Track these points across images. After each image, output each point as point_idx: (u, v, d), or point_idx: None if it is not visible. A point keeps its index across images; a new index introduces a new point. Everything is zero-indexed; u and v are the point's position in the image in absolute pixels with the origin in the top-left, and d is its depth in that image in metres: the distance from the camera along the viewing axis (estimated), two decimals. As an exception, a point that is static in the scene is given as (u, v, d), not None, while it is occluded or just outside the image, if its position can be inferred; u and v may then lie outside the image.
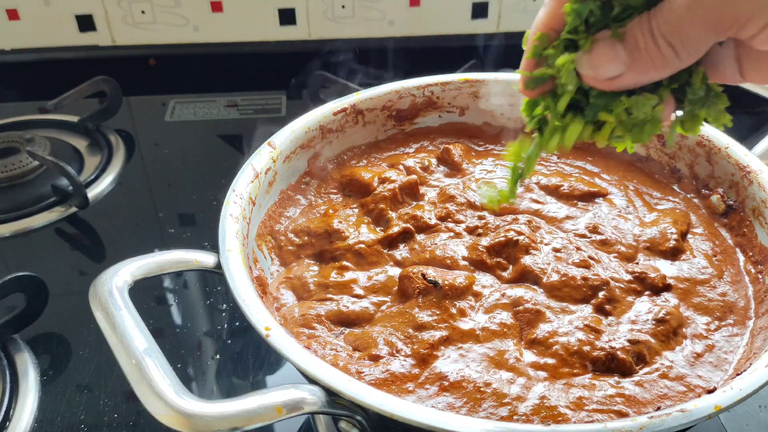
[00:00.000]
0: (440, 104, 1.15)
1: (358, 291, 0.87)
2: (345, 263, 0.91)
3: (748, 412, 0.80)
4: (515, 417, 0.72)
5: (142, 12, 1.59)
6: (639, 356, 0.79)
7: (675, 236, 0.94)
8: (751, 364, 0.72)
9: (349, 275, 0.89)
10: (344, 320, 0.83)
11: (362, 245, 0.93)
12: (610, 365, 0.77)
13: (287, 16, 1.64)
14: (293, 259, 0.94)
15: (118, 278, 0.68)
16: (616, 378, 0.77)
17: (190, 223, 1.30)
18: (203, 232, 1.27)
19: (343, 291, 0.87)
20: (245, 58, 1.67)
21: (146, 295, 1.13)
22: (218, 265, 0.77)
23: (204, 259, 0.77)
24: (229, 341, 1.05)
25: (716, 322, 0.84)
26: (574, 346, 0.79)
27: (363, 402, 0.64)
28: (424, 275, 0.85)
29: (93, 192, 1.31)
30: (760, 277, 0.89)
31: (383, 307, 0.85)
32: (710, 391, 0.72)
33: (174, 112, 1.59)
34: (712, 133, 1.00)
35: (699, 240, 0.96)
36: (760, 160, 0.96)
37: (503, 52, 1.62)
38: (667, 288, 0.88)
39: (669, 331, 0.82)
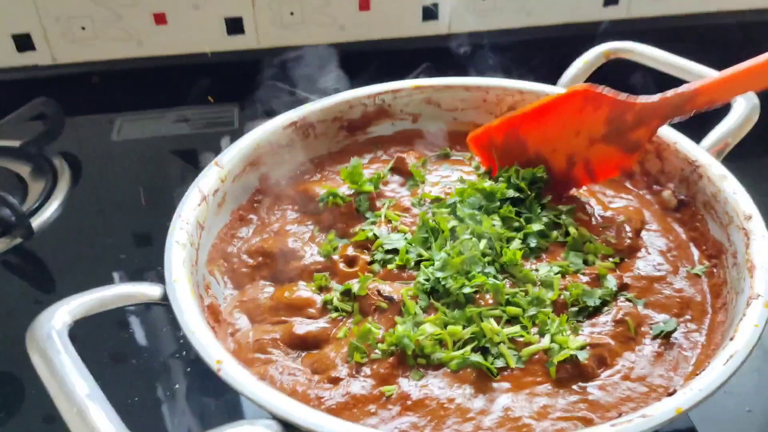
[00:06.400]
0: (392, 112, 1.14)
1: (313, 311, 0.85)
2: (301, 283, 0.89)
3: (712, 399, 0.81)
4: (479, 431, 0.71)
5: (82, 28, 1.54)
6: (600, 359, 0.78)
7: (630, 234, 0.94)
8: (710, 362, 0.72)
9: (304, 295, 0.87)
10: (300, 343, 0.82)
11: (318, 265, 0.91)
12: (572, 371, 0.77)
13: (235, 25, 1.61)
14: (248, 281, 0.91)
15: (56, 320, 0.65)
16: (579, 383, 0.76)
17: (145, 244, 1.27)
18: (159, 254, 1.23)
19: (297, 313, 0.85)
20: (193, 70, 1.63)
21: (109, 317, 1.09)
22: (165, 297, 0.75)
23: (149, 291, 0.75)
24: (197, 362, 1.01)
25: (674, 319, 0.84)
26: (535, 354, 0.78)
27: (322, 433, 0.62)
28: (379, 291, 0.84)
29: (38, 220, 1.26)
30: (715, 270, 0.89)
31: (340, 325, 0.84)
32: (671, 394, 0.72)
33: (121, 131, 1.54)
34: (660, 129, 1.00)
35: (654, 236, 0.96)
36: (708, 154, 0.97)
37: (455, 54, 1.61)
38: (625, 287, 0.87)
39: (628, 332, 0.82)
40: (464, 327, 0.80)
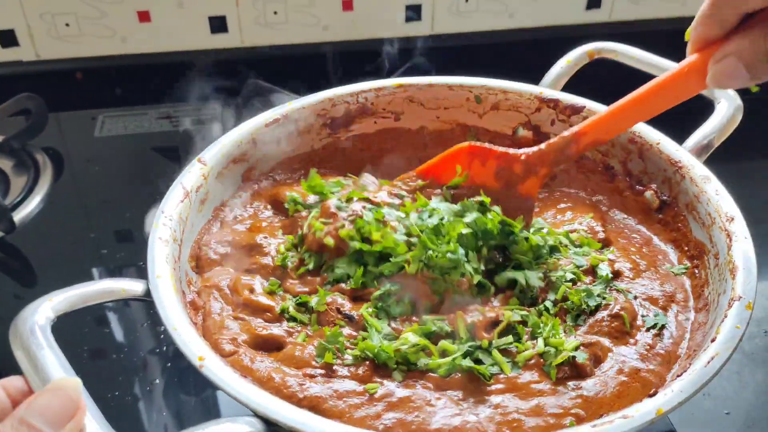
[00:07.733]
0: (375, 110, 1.14)
1: (270, 315, 0.83)
2: (257, 280, 0.87)
3: (692, 401, 0.81)
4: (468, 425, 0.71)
5: (66, 25, 1.53)
6: (595, 358, 0.79)
7: (602, 229, 0.95)
8: (691, 363, 0.72)
9: (263, 302, 0.84)
10: (263, 344, 0.80)
11: (278, 271, 0.89)
12: (570, 372, 0.77)
13: (219, 24, 1.60)
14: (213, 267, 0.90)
15: (40, 315, 0.64)
16: (574, 382, 0.76)
17: (126, 240, 1.26)
18: (140, 250, 1.22)
19: (258, 314, 0.83)
20: (177, 68, 1.62)
21: (87, 314, 1.09)
22: (148, 293, 0.74)
23: (132, 287, 0.74)
24: (176, 357, 1.01)
25: (662, 311, 0.85)
26: (530, 358, 0.78)
27: (303, 430, 0.62)
28: (338, 309, 0.82)
29: (20, 215, 1.25)
30: (696, 271, 0.90)
31: (296, 335, 0.82)
32: (652, 395, 0.72)
33: (104, 127, 1.54)
34: (643, 129, 1.01)
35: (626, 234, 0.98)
36: (691, 155, 0.97)
37: (438, 54, 1.61)
38: (618, 275, 0.88)
39: (624, 326, 0.82)
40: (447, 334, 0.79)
